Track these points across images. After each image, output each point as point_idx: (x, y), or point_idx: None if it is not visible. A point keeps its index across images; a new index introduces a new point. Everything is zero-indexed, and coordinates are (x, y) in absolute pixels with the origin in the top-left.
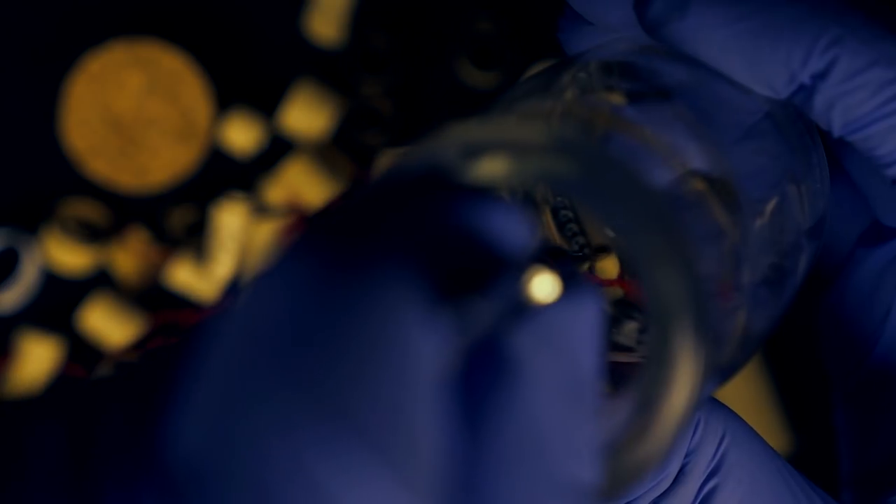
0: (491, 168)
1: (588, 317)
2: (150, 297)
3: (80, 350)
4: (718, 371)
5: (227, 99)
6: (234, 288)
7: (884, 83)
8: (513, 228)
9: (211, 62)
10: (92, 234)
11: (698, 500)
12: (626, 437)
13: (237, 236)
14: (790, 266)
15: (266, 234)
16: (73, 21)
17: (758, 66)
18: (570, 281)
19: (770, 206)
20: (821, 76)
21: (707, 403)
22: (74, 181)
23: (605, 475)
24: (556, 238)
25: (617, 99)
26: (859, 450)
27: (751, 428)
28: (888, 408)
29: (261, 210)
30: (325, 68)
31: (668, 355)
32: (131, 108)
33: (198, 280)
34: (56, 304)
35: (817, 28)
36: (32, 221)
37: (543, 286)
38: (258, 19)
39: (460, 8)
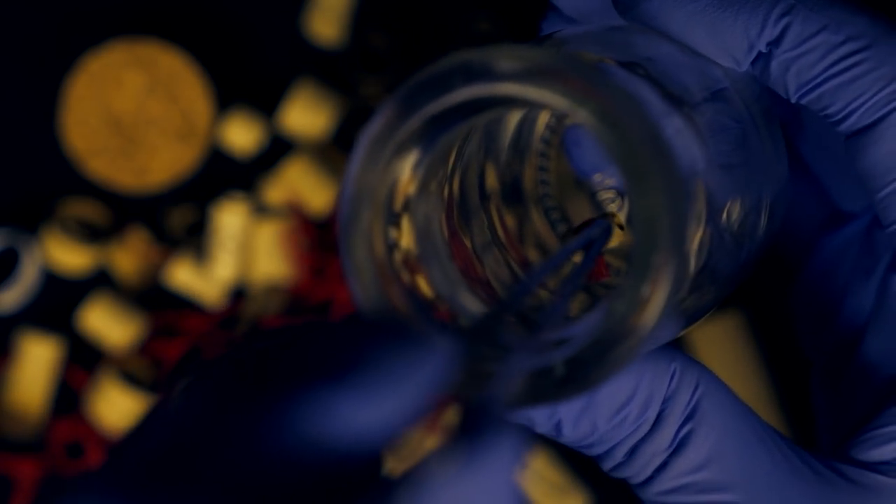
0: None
1: (500, 478)
2: (150, 297)
3: (80, 350)
4: (683, 312)
5: (227, 99)
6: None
7: (832, 46)
8: (371, 405)
9: (211, 62)
10: (92, 234)
11: (675, 444)
12: (605, 333)
13: (237, 236)
14: (752, 222)
15: (266, 234)
16: (73, 21)
17: (720, 38)
18: (477, 436)
19: (733, 160)
20: (775, 43)
21: (682, 357)
22: (74, 181)
23: (581, 373)
24: (541, 225)
25: (594, 58)
26: (833, 424)
27: (723, 382)
28: (854, 377)
29: (261, 210)
30: (325, 68)
31: (650, 259)
32: (131, 108)
33: (198, 280)
34: (56, 304)
35: (771, 0)
36: (32, 221)
37: (434, 471)
38: (258, 19)
39: (460, 8)
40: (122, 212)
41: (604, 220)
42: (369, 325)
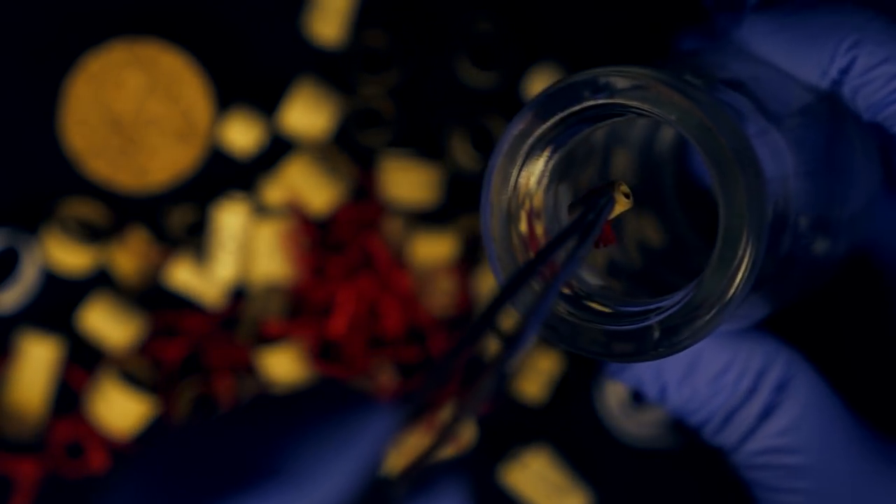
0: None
1: None
2: (150, 297)
3: (80, 350)
4: (763, 298)
5: (227, 99)
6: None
7: (892, 76)
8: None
9: (211, 62)
10: (92, 234)
11: (764, 412)
12: (690, 306)
13: (237, 236)
14: (833, 228)
15: (266, 234)
16: (73, 21)
17: (797, 65)
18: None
19: (817, 169)
20: (845, 71)
21: (775, 338)
22: (74, 181)
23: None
24: (649, 225)
25: (702, 76)
26: None
27: (812, 365)
28: None
29: (261, 210)
30: (325, 68)
31: (731, 253)
32: (131, 108)
33: (198, 280)
34: (56, 304)
35: (840, 36)
36: (32, 221)
37: None
38: (258, 19)
39: (460, 8)
40: (122, 212)
41: (608, 190)
42: (301, 407)
